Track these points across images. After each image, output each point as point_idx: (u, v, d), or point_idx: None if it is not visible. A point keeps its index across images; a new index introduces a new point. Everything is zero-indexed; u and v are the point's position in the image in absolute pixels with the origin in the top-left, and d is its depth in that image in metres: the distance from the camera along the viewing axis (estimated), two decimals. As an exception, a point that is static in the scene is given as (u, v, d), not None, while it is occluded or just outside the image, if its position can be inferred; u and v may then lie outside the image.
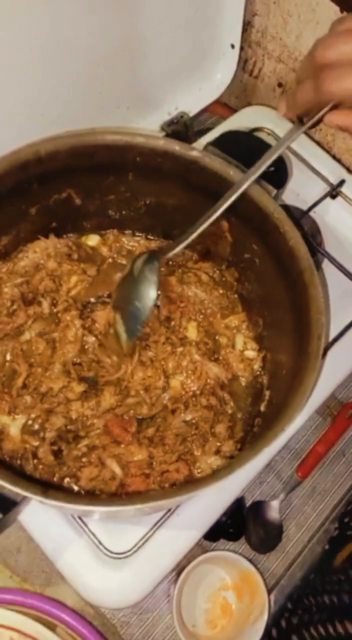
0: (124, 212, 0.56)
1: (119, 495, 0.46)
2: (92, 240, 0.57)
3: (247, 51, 0.85)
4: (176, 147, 0.47)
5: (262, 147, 0.48)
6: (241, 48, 0.83)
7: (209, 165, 0.47)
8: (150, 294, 0.43)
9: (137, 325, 0.46)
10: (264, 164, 0.40)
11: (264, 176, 0.45)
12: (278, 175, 0.46)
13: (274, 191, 0.47)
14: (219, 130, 0.67)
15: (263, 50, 0.83)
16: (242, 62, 0.86)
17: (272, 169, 0.53)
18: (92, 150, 0.48)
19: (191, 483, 0.39)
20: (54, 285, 0.53)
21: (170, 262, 0.57)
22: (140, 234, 0.58)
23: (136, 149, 0.48)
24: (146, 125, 0.70)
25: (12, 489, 0.33)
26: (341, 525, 0.59)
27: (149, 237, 0.58)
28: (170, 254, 0.44)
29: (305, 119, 0.40)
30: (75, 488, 0.46)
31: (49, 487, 0.35)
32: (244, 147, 0.50)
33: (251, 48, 0.84)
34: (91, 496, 0.44)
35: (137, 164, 0.49)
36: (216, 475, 0.38)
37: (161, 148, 0.48)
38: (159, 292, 0.44)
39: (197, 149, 0.47)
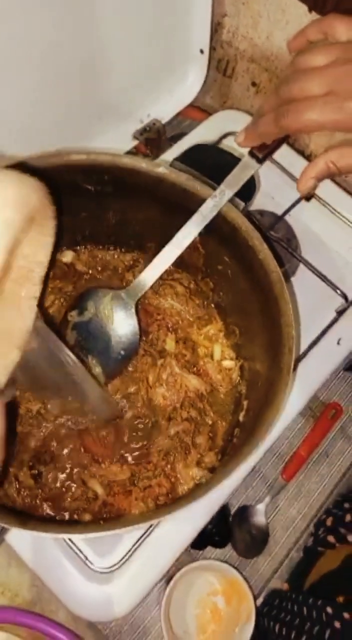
0: (97, 228, 0.56)
1: (102, 513, 0.46)
2: (67, 256, 0.57)
3: (219, 51, 0.84)
4: (143, 164, 0.47)
5: (228, 160, 0.48)
6: (213, 48, 0.83)
7: (175, 181, 0.47)
8: (132, 339, 0.46)
9: (118, 368, 0.47)
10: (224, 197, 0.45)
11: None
12: (246, 188, 0.46)
13: (242, 204, 0.47)
14: (189, 140, 0.67)
15: (235, 50, 0.82)
16: (215, 62, 0.86)
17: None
18: (59, 171, 0.47)
19: (169, 505, 0.39)
20: (29, 305, 0.53)
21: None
22: (114, 248, 0.59)
23: (102, 168, 0.48)
24: (119, 134, 0.70)
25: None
26: (315, 537, 0.59)
27: (122, 250, 0.59)
28: (140, 295, 0.45)
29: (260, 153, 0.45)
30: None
31: (28, 517, 0.35)
32: (211, 160, 0.50)
33: (222, 48, 0.83)
34: (70, 522, 0.45)
35: (104, 182, 0.49)
36: (193, 494, 0.39)
37: (128, 166, 0.48)
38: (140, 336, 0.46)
39: (164, 165, 0.47)
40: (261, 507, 0.61)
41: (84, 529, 0.39)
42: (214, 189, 0.46)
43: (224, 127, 0.70)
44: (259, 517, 0.61)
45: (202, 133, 0.69)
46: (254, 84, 0.85)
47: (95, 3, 0.54)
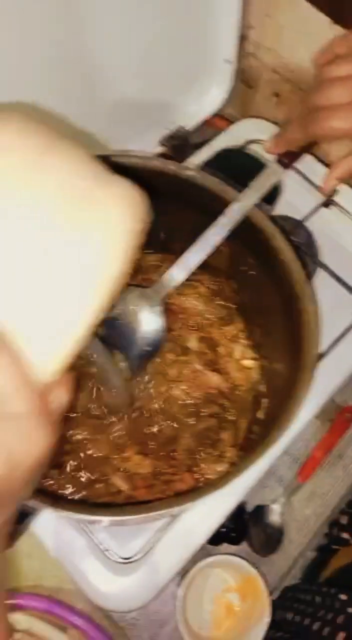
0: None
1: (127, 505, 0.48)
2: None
3: (242, 62, 0.86)
4: (172, 167, 0.49)
5: (255, 165, 0.50)
6: (237, 60, 0.85)
7: (204, 184, 0.49)
8: (157, 337, 0.47)
9: (142, 364, 0.48)
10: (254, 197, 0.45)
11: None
12: (270, 193, 0.48)
13: (268, 207, 0.49)
14: (214, 146, 0.69)
15: (259, 61, 0.85)
16: (238, 74, 0.88)
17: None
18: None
19: (197, 491, 0.41)
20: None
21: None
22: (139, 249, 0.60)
23: (132, 170, 0.50)
24: (146, 141, 0.72)
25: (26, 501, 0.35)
26: (329, 536, 0.60)
27: (147, 251, 0.60)
28: (166, 293, 0.47)
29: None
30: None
31: (59, 498, 0.37)
32: (238, 165, 0.52)
33: (246, 60, 0.86)
34: (99, 506, 0.46)
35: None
36: (216, 484, 0.40)
37: (158, 168, 0.49)
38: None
39: (192, 168, 0.49)
40: (276, 507, 0.62)
41: (114, 512, 0.41)
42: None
43: (248, 134, 0.72)
44: (274, 516, 0.61)
45: (227, 140, 0.71)
46: (276, 95, 0.87)
47: (127, 13, 0.56)
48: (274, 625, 0.52)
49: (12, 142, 0.25)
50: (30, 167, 0.25)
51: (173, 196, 0.52)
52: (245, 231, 0.49)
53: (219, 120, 0.87)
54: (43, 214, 0.24)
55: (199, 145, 0.77)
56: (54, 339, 0.24)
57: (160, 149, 0.73)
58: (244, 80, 0.89)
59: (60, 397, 0.26)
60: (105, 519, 0.38)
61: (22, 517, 0.38)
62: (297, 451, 0.67)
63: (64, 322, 0.25)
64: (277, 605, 0.55)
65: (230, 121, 0.85)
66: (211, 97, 0.75)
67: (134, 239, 0.28)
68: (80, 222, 0.25)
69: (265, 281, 0.51)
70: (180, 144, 0.75)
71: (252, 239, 0.49)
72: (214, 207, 0.49)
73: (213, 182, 0.48)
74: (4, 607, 0.27)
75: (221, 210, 0.48)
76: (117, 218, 0.27)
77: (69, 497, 0.47)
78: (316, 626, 0.46)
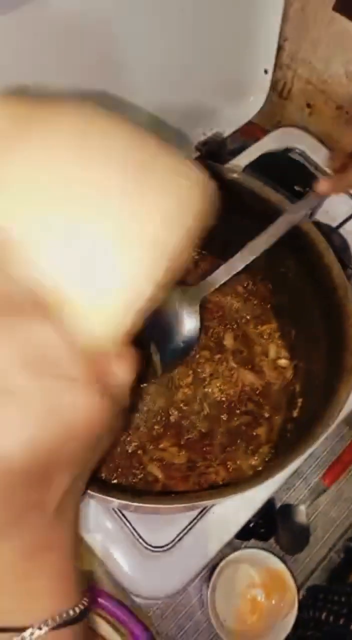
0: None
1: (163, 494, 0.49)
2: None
3: (277, 73, 0.88)
4: (216, 169, 0.51)
5: (296, 168, 0.51)
6: (273, 71, 0.87)
7: (248, 187, 0.51)
8: (193, 334, 0.47)
9: (176, 360, 0.49)
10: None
11: (298, 196, 0.49)
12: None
13: (309, 212, 0.50)
14: (255, 151, 0.70)
15: (293, 72, 0.87)
16: (272, 84, 0.90)
17: (307, 189, 0.56)
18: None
19: (236, 485, 0.42)
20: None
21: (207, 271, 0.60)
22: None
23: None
24: (183, 145, 0.74)
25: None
26: None
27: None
28: (206, 293, 0.48)
29: None
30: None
31: (108, 485, 0.38)
32: (280, 168, 0.54)
33: (281, 70, 0.88)
34: (144, 493, 0.47)
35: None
36: (254, 480, 0.41)
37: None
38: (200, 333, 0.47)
39: (237, 171, 0.51)
40: (302, 508, 0.63)
41: (150, 500, 0.42)
42: (285, 196, 0.49)
43: (284, 142, 0.73)
44: (301, 517, 0.62)
45: (265, 146, 0.73)
46: (308, 105, 0.89)
47: (175, 23, 0.59)
48: (302, 623, 0.52)
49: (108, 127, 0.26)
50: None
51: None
52: (287, 234, 0.50)
53: (252, 129, 0.89)
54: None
55: (233, 152, 0.79)
56: (109, 303, 0.24)
57: (196, 154, 0.75)
58: (278, 90, 0.91)
59: (120, 373, 0.25)
60: (144, 506, 0.39)
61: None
62: (323, 455, 0.68)
63: (119, 285, 0.24)
64: (304, 605, 0.56)
65: (263, 129, 0.87)
66: (249, 105, 0.77)
67: (201, 220, 0.28)
68: (152, 188, 0.25)
69: (303, 283, 0.53)
70: (215, 150, 0.77)
71: (294, 242, 0.50)
72: (257, 210, 0.51)
73: (258, 186, 0.50)
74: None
75: (262, 213, 0.50)
76: (190, 192, 0.27)
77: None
78: None
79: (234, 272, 0.50)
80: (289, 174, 0.50)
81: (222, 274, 0.50)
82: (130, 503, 0.39)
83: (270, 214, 0.50)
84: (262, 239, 0.46)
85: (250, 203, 0.51)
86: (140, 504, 0.39)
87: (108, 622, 0.50)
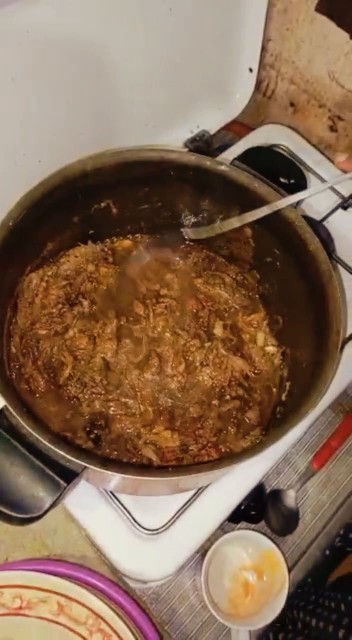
0: (154, 219, 0.62)
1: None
2: (125, 244, 0.63)
3: (261, 73, 0.91)
4: (207, 162, 0.53)
5: (281, 161, 0.53)
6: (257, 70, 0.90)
7: (236, 179, 0.53)
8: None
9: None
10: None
11: (286, 188, 0.51)
12: (299, 188, 0.51)
13: (295, 203, 0.52)
14: (242, 146, 0.72)
15: (276, 72, 0.89)
16: (257, 83, 0.93)
17: (292, 181, 0.58)
18: (131, 165, 0.53)
19: (231, 457, 0.43)
20: (92, 286, 0.58)
21: (198, 262, 0.62)
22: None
23: (170, 163, 0.53)
24: (171, 142, 0.76)
25: (77, 460, 0.38)
26: (344, 538, 0.62)
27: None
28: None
29: None
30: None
31: (107, 459, 0.39)
32: (267, 162, 0.56)
33: (264, 70, 0.90)
34: (144, 466, 0.49)
35: (170, 177, 0.54)
36: (249, 452, 0.43)
37: (193, 163, 0.53)
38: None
39: (226, 164, 0.53)
40: (291, 493, 0.65)
41: (160, 473, 0.43)
42: (271, 187, 0.51)
43: (271, 139, 0.76)
44: (290, 500, 0.64)
45: (251, 142, 0.75)
46: (292, 104, 0.91)
47: (161, 23, 0.60)
48: (291, 628, 0.53)
49: None
50: None
51: (206, 190, 0.55)
52: (273, 222, 0.53)
53: (238, 126, 0.91)
54: None
55: (220, 149, 0.81)
56: None
57: (184, 150, 0.77)
58: (262, 90, 0.94)
59: None
60: (155, 479, 0.40)
61: (69, 477, 0.40)
62: (311, 440, 0.70)
63: None
64: (295, 605, 0.57)
65: (249, 127, 0.89)
66: (235, 103, 0.79)
67: None
68: None
69: (289, 271, 0.55)
70: (202, 146, 0.79)
71: (280, 231, 0.52)
72: (243, 200, 0.52)
73: (244, 177, 0.52)
74: None
75: (251, 203, 0.52)
76: None
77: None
78: (341, 634, 0.48)
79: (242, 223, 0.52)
80: (274, 167, 0.52)
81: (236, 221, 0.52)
82: (132, 477, 0.40)
83: (257, 205, 0.52)
84: (261, 209, 0.48)
85: (238, 194, 0.53)
86: (141, 477, 0.40)
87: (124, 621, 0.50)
